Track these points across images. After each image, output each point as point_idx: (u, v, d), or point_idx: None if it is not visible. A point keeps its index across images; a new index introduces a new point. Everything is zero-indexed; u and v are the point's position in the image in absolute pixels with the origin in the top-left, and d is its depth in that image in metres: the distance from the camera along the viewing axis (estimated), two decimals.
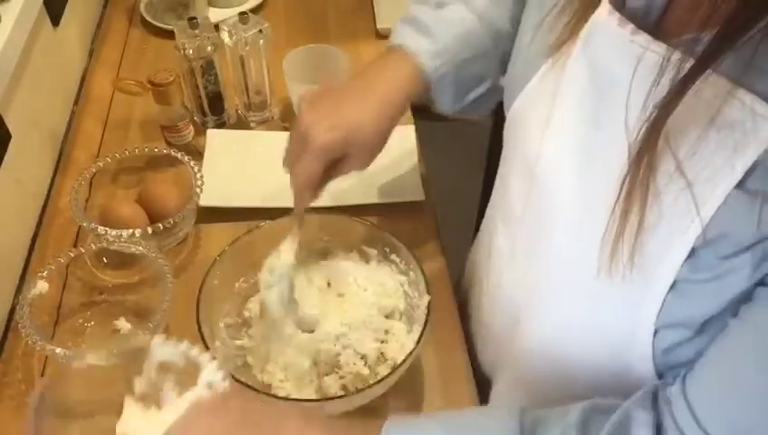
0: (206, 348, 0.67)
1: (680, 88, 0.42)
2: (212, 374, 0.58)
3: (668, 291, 0.48)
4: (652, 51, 0.46)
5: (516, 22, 0.73)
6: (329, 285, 0.78)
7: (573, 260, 0.56)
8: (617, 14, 0.49)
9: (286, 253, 0.71)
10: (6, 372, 0.76)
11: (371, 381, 0.67)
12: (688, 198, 0.45)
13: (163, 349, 0.61)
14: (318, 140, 0.66)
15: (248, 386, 0.65)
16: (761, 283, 0.45)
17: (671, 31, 0.47)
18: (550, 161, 0.58)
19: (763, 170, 0.43)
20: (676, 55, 0.43)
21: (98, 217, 0.86)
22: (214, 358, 0.59)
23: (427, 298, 0.71)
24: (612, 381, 0.57)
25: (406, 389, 0.74)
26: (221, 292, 0.75)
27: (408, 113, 1.05)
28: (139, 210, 0.86)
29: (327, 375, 0.71)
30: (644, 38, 0.47)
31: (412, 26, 0.74)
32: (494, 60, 0.75)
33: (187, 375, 0.60)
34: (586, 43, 0.52)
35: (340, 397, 0.68)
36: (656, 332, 0.51)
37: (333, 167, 0.70)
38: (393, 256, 0.78)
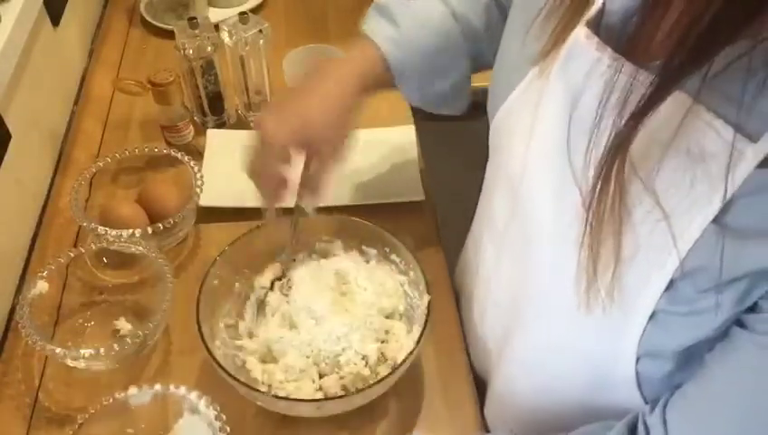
0: (207, 348, 0.67)
1: (643, 109, 0.41)
2: None
3: (648, 321, 0.48)
4: (629, 76, 0.45)
5: (489, 27, 0.74)
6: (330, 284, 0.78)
7: (554, 286, 0.56)
8: (595, 39, 0.49)
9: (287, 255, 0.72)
10: (6, 372, 0.76)
11: (371, 382, 0.67)
12: (665, 230, 0.45)
13: None
14: (269, 138, 0.66)
15: (247, 386, 0.65)
16: (738, 323, 0.45)
17: (645, 53, 0.46)
18: (532, 182, 0.57)
19: (739, 207, 0.42)
20: (643, 76, 0.42)
21: (98, 217, 0.86)
22: None
23: (427, 298, 0.71)
24: (600, 401, 0.57)
25: (406, 389, 0.74)
26: (221, 292, 0.75)
27: (408, 113, 1.05)
28: (139, 210, 0.86)
29: (327, 375, 0.71)
30: (621, 63, 0.46)
31: (381, 14, 0.73)
32: (462, 55, 0.75)
33: None
34: (564, 65, 0.52)
35: (341, 397, 0.68)
36: (638, 359, 0.51)
37: (308, 164, 0.71)
38: (393, 256, 0.78)
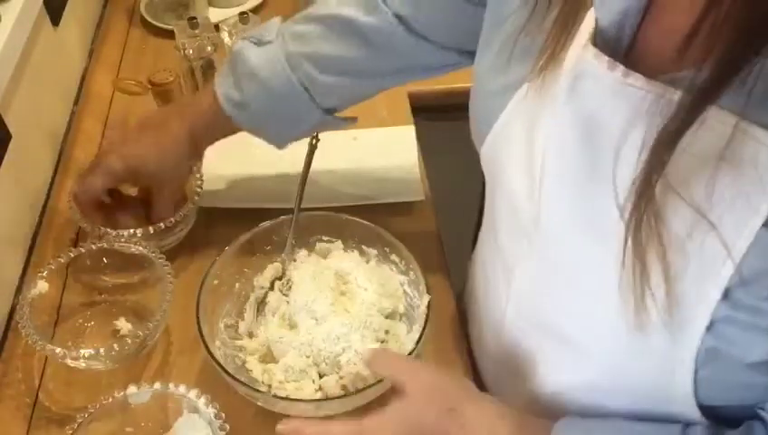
0: (206, 348, 0.67)
1: (680, 126, 0.41)
2: None
3: (705, 332, 0.47)
4: (647, 91, 0.45)
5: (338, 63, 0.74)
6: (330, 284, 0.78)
7: (592, 312, 0.54)
8: (605, 58, 0.47)
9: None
10: (6, 372, 0.76)
11: (371, 382, 0.67)
12: (715, 240, 0.44)
13: None
14: (104, 165, 0.77)
15: (247, 386, 0.65)
16: None
17: (653, 65, 0.46)
18: (548, 217, 0.55)
19: None
20: (673, 93, 0.42)
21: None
22: None
23: (427, 298, 0.71)
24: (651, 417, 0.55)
25: None
26: (221, 292, 0.75)
27: (408, 113, 1.05)
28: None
29: (327, 375, 0.71)
30: (637, 79, 0.45)
31: (232, 66, 0.76)
32: (306, 103, 0.75)
33: None
34: (573, 89, 0.50)
35: (340, 397, 0.68)
36: (696, 373, 0.49)
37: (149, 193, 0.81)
38: (393, 256, 0.78)
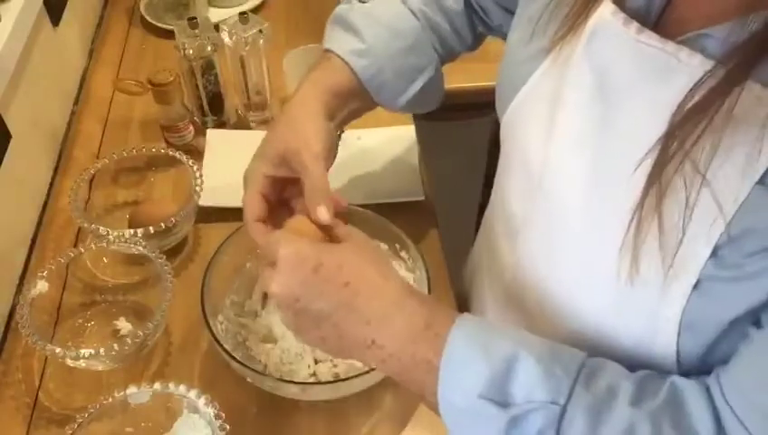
0: (207, 324, 0.67)
1: (717, 98, 0.41)
2: None
3: (692, 290, 0.47)
4: (659, 49, 0.46)
5: (447, 14, 0.73)
6: None
7: (589, 265, 0.55)
8: (621, 14, 0.48)
9: None
10: (6, 372, 0.76)
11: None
12: (708, 195, 0.44)
13: None
14: (258, 152, 0.66)
15: (243, 365, 0.66)
16: None
17: (671, 29, 0.47)
18: (556, 170, 0.56)
19: None
20: (684, 54, 0.42)
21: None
22: None
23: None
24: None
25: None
26: (230, 268, 0.76)
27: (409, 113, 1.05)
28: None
29: (322, 362, 0.72)
30: (650, 36, 0.46)
31: (340, 26, 0.73)
32: (431, 50, 0.74)
33: None
34: (588, 45, 0.51)
35: (326, 383, 0.69)
36: (679, 333, 0.49)
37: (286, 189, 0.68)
38: (403, 253, 0.78)
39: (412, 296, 0.55)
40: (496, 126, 0.68)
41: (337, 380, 0.70)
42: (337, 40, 0.72)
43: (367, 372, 0.65)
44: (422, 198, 0.92)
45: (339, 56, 0.70)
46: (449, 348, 0.51)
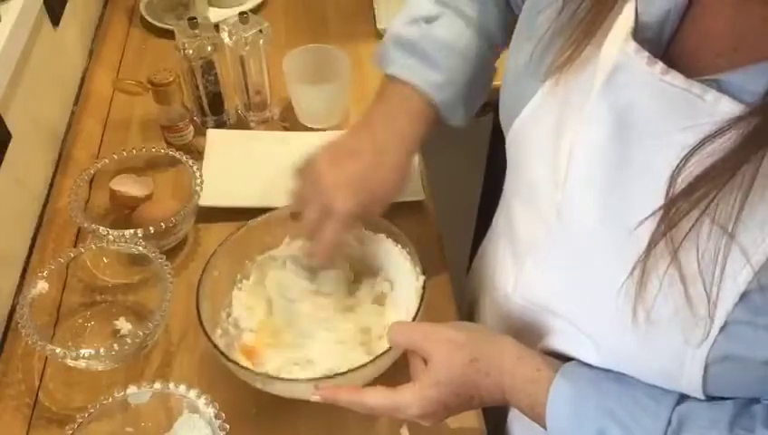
0: (204, 331, 0.67)
1: (743, 158, 0.41)
2: None
3: (719, 333, 0.47)
4: (685, 90, 0.45)
5: (502, 25, 0.73)
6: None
7: (606, 305, 0.53)
8: (645, 53, 0.47)
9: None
10: (6, 372, 0.76)
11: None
12: (734, 247, 0.44)
13: None
14: (343, 209, 0.67)
15: (245, 369, 0.65)
16: None
17: (690, 65, 0.46)
18: (570, 207, 0.56)
19: None
20: (712, 95, 0.43)
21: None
22: None
23: (422, 278, 0.71)
24: None
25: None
26: (222, 280, 0.75)
27: None
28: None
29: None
30: (675, 77, 0.45)
31: (410, 54, 0.71)
32: (492, 65, 0.75)
33: None
34: (609, 83, 0.50)
35: (333, 377, 0.68)
36: (706, 367, 0.49)
37: None
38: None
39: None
40: (496, 125, 0.68)
41: (339, 374, 0.67)
42: (409, 68, 0.71)
43: (353, 370, 0.64)
44: (422, 198, 0.92)
45: (417, 87, 0.70)
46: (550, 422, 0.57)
